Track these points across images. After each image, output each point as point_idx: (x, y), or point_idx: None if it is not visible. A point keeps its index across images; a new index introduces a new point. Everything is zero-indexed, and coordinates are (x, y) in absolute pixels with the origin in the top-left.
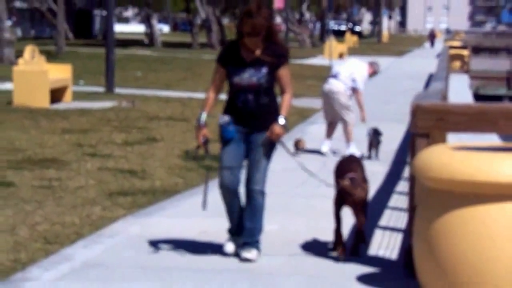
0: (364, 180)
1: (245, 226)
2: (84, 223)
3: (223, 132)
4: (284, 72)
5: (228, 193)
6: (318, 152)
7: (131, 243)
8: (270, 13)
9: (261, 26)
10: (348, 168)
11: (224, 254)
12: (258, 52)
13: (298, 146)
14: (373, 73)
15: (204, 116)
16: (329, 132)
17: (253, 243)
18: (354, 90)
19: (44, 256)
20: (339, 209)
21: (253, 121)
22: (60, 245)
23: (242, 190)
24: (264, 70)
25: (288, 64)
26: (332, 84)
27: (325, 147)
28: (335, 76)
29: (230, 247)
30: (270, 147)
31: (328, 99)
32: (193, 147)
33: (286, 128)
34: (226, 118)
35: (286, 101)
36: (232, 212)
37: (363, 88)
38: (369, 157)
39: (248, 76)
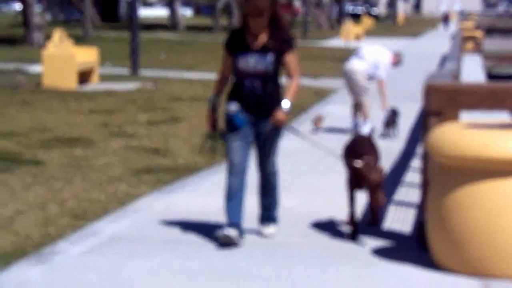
0: (377, 160)
1: (262, 202)
2: (110, 199)
3: (235, 120)
4: (291, 58)
5: (235, 174)
6: (334, 130)
7: (155, 219)
8: None
9: (265, 6)
10: (361, 149)
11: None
12: (263, 38)
13: (317, 123)
14: (397, 63)
15: (215, 99)
16: (355, 112)
17: (272, 218)
18: (373, 77)
19: (72, 231)
20: (353, 191)
21: (259, 108)
22: (88, 221)
23: (247, 180)
24: (270, 57)
25: (294, 49)
26: (353, 64)
27: (367, 128)
28: (359, 57)
29: (229, 231)
30: (276, 131)
31: (348, 78)
32: (206, 132)
33: (290, 113)
34: (234, 107)
35: (293, 86)
36: (232, 196)
37: (384, 76)
38: (384, 135)
39: (254, 63)
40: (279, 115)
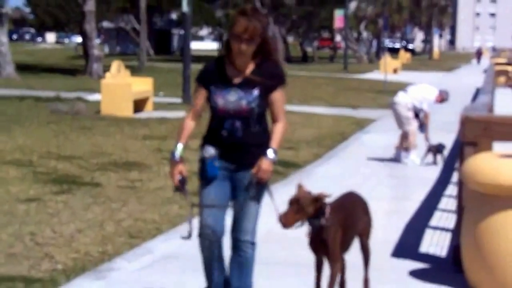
0: (357, 222)
1: (231, 284)
2: (163, 220)
3: (208, 167)
4: (278, 96)
5: (209, 243)
6: (373, 158)
7: None
8: (267, 21)
9: (258, 29)
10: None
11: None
12: (248, 70)
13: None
14: (442, 100)
15: (180, 149)
16: (401, 142)
17: None
18: (418, 110)
19: (128, 249)
20: (315, 255)
21: (240, 155)
22: (142, 239)
23: (225, 241)
24: (256, 92)
25: (284, 86)
26: (398, 96)
27: (409, 159)
28: (405, 91)
29: None
30: (260, 187)
31: (393, 110)
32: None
33: (276, 163)
34: (212, 151)
35: (279, 132)
36: (211, 269)
37: (428, 109)
38: (428, 162)
39: (236, 100)
40: (264, 164)
